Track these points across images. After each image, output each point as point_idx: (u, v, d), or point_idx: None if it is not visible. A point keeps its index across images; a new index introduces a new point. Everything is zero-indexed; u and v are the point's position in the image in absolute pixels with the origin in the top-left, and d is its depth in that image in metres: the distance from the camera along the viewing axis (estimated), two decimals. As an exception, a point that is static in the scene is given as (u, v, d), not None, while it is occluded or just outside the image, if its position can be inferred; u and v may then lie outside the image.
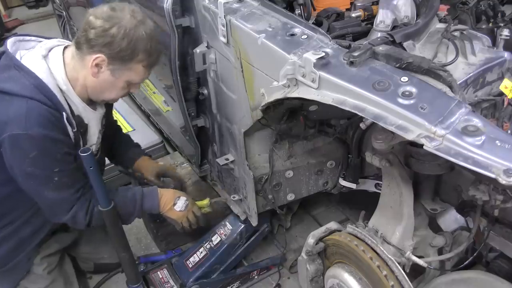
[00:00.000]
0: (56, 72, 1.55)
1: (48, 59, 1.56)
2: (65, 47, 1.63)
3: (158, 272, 2.15)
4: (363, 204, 1.80)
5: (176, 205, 1.86)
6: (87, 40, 1.50)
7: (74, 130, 1.60)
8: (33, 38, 1.67)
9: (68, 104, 1.58)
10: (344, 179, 1.96)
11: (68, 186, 1.61)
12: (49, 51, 1.59)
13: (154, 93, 2.61)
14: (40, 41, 1.66)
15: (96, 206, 1.66)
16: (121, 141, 2.11)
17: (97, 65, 1.53)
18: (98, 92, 1.64)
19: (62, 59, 1.57)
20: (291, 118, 1.79)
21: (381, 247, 1.50)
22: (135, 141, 2.20)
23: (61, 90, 1.55)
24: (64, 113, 1.53)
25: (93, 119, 1.72)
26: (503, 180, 0.95)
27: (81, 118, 1.65)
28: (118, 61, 1.53)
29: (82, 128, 1.67)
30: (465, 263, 1.61)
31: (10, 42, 1.59)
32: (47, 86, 1.50)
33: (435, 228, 1.72)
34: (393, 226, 1.58)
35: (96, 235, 2.15)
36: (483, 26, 1.77)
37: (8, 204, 1.70)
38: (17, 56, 1.55)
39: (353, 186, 1.94)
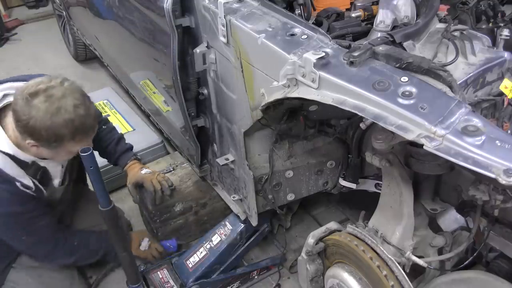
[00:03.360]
0: (0, 144, 1.58)
1: None
2: (3, 108, 1.62)
3: (158, 272, 2.15)
4: (363, 204, 1.80)
5: (141, 245, 2.12)
6: (16, 126, 1.53)
7: (32, 190, 1.65)
8: None
9: (21, 160, 1.62)
10: (344, 179, 1.96)
11: (38, 242, 1.75)
12: None
13: (154, 93, 2.61)
14: None
15: (77, 244, 1.83)
16: (112, 144, 2.16)
17: (33, 145, 1.56)
18: (48, 158, 1.68)
19: (2, 129, 1.59)
20: (291, 118, 1.79)
21: (381, 247, 1.50)
22: (129, 143, 2.27)
23: (8, 154, 1.58)
24: (17, 183, 1.59)
25: (50, 162, 1.75)
26: (503, 180, 0.94)
27: (36, 163, 1.67)
28: (47, 145, 1.54)
29: (40, 175, 1.70)
30: (465, 263, 1.61)
31: None
32: None
33: (435, 228, 1.72)
34: (393, 226, 1.58)
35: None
36: (483, 26, 1.77)
37: None
38: None
39: (353, 186, 1.94)
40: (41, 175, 1.71)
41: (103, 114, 2.42)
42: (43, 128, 1.48)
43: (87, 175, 1.57)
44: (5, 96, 1.63)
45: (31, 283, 1.91)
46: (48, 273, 1.95)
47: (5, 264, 1.88)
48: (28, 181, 1.63)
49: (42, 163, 1.70)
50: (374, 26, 1.58)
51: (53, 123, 1.48)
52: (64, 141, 1.54)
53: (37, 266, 1.92)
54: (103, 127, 2.08)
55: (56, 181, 1.81)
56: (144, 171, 2.16)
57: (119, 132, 2.24)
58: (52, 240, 1.77)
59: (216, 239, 2.15)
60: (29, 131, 1.50)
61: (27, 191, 1.63)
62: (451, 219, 1.77)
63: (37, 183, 1.68)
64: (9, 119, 1.59)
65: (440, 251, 1.69)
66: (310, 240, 1.69)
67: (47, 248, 1.78)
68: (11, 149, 1.59)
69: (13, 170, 1.58)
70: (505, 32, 1.57)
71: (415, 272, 1.65)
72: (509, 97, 1.45)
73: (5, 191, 1.57)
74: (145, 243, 2.13)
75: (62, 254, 1.82)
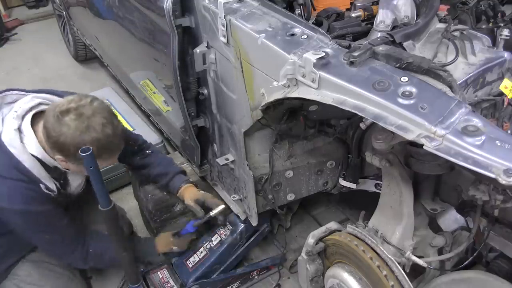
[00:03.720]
0: (30, 147, 1.64)
1: (22, 133, 1.64)
2: (36, 114, 1.68)
3: (158, 272, 2.15)
4: (363, 204, 1.80)
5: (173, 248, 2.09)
6: (47, 142, 1.60)
7: (55, 193, 1.71)
8: (14, 92, 1.74)
9: (47, 164, 1.68)
10: (344, 179, 1.96)
11: (60, 241, 1.80)
12: (23, 119, 1.66)
13: (154, 93, 2.61)
14: (21, 96, 1.73)
15: (91, 252, 1.87)
16: (162, 167, 2.14)
17: (62, 160, 1.63)
18: (75, 172, 1.76)
19: (34, 134, 1.65)
20: (291, 118, 1.79)
21: (381, 247, 1.50)
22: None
23: (36, 157, 1.65)
24: (41, 185, 1.65)
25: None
26: (503, 180, 0.95)
27: (59, 169, 1.73)
28: (74, 161, 1.60)
29: (62, 179, 1.78)
30: (465, 263, 1.61)
31: None
32: (23, 164, 1.61)
33: (435, 228, 1.72)
34: (393, 226, 1.58)
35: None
36: (483, 26, 1.77)
37: None
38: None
39: (353, 186, 1.94)
40: (63, 179, 1.79)
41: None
42: (72, 144, 1.53)
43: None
44: (40, 104, 1.71)
45: (32, 274, 1.93)
46: (49, 266, 1.97)
47: (15, 259, 1.92)
48: (51, 184, 1.70)
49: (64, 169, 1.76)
50: (374, 26, 1.58)
51: (82, 140, 1.53)
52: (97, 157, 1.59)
53: (39, 260, 1.96)
54: (147, 152, 2.12)
55: (74, 185, 1.87)
56: (201, 191, 2.13)
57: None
58: (74, 241, 1.84)
59: (216, 239, 2.15)
60: (58, 147, 1.56)
61: (49, 193, 1.70)
62: (451, 219, 1.77)
63: (59, 186, 1.75)
64: (41, 125, 1.66)
65: (440, 251, 1.68)
66: (310, 240, 1.69)
67: (68, 249, 1.84)
68: (39, 153, 1.65)
69: (40, 172, 1.65)
70: (505, 32, 1.57)
71: (415, 272, 1.65)
72: (509, 97, 1.45)
73: (31, 190, 1.64)
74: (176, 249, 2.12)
75: (78, 258, 1.88)
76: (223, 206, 2.04)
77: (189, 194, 2.08)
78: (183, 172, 2.20)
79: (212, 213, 2.03)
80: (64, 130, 1.52)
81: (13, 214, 1.65)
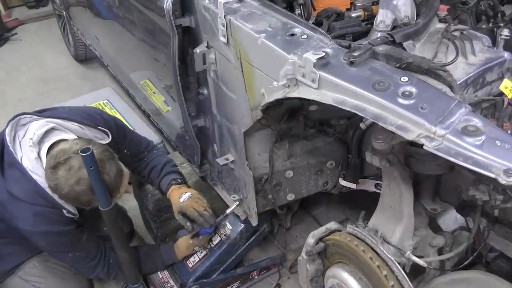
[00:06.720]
0: None
1: (41, 161, 1.68)
2: (53, 144, 1.70)
3: (158, 272, 2.15)
4: (363, 204, 1.80)
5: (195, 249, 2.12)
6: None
7: (76, 216, 1.77)
8: (28, 116, 1.77)
9: None
10: (344, 179, 1.96)
11: (82, 257, 1.87)
12: (39, 145, 1.70)
13: (154, 93, 2.61)
14: (34, 118, 1.76)
15: (112, 262, 1.94)
16: (153, 166, 2.12)
17: None
18: None
19: None
20: (291, 118, 1.79)
21: (381, 247, 1.50)
22: (177, 168, 2.19)
23: None
24: (63, 210, 1.72)
25: None
26: (503, 180, 0.95)
27: None
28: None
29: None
30: (465, 263, 1.61)
31: (8, 129, 1.73)
32: (45, 190, 1.67)
33: (435, 228, 1.72)
34: (393, 226, 1.58)
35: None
36: (483, 26, 1.77)
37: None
38: (16, 142, 1.71)
39: (353, 186, 1.94)
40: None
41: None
42: (68, 196, 1.63)
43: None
44: (53, 129, 1.73)
45: (36, 266, 1.96)
46: (54, 260, 1.98)
47: (26, 258, 1.96)
48: (73, 208, 1.75)
49: None
50: (374, 26, 1.58)
51: (76, 193, 1.61)
52: (91, 203, 1.69)
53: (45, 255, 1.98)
54: (154, 152, 2.14)
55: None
56: (182, 198, 2.00)
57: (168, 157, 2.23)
58: (95, 256, 1.90)
59: (216, 239, 2.15)
60: (58, 195, 1.65)
61: (72, 216, 1.76)
62: (451, 219, 1.77)
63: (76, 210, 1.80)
64: None
65: (440, 251, 1.69)
66: (310, 240, 1.69)
67: (91, 264, 1.90)
68: None
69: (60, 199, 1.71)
70: (505, 32, 1.58)
71: (415, 272, 1.65)
72: (509, 97, 1.45)
73: (54, 214, 1.71)
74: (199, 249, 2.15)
75: (101, 271, 1.94)
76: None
77: (174, 203, 2.01)
78: (175, 173, 2.12)
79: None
80: (58, 183, 1.60)
81: (38, 236, 1.73)
